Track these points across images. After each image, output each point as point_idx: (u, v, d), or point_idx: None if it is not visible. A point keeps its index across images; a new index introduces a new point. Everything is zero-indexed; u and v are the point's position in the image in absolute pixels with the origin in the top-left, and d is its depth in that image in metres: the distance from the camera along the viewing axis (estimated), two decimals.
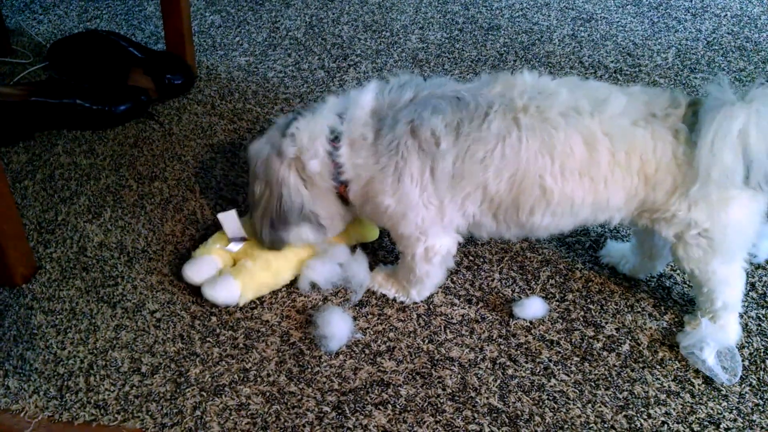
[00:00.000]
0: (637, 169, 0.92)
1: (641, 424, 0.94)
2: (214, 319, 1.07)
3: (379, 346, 1.03)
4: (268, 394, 0.96)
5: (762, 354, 1.03)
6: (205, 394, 0.96)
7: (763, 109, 0.85)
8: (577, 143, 0.91)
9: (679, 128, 0.91)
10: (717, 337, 1.01)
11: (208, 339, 1.04)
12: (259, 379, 0.98)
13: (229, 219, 1.11)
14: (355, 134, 0.98)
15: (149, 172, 1.35)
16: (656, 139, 0.91)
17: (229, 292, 1.06)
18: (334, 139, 0.99)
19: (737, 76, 1.72)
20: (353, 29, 1.87)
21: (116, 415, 0.94)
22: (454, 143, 0.93)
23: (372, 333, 1.05)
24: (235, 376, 0.99)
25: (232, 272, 1.08)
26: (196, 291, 1.10)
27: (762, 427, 0.94)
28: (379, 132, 0.96)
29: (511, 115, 0.93)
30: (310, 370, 1.00)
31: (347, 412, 0.95)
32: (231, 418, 0.93)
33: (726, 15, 2.01)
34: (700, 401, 0.97)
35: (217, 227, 1.15)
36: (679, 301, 1.12)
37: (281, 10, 1.95)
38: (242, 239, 1.11)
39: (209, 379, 0.98)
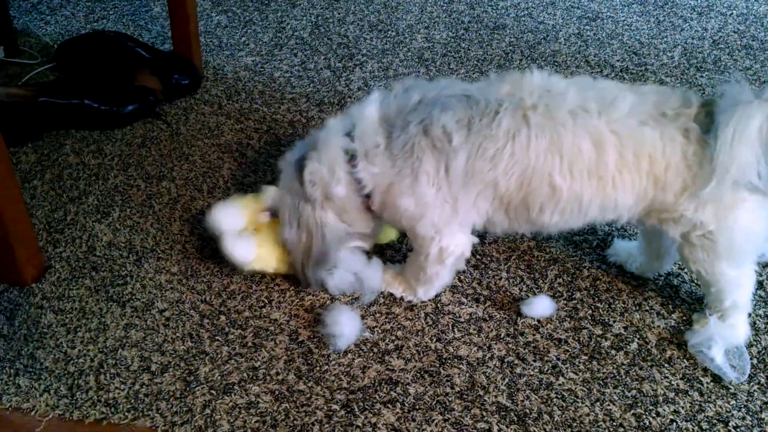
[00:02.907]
0: (646, 171, 0.92)
1: (650, 423, 0.94)
2: (222, 318, 1.07)
3: (387, 344, 1.04)
4: (277, 392, 0.97)
5: None
6: (214, 392, 0.97)
7: (748, 119, 0.85)
8: (585, 142, 0.91)
9: (690, 128, 0.91)
10: (725, 336, 1.01)
11: (217, 338, 1.04)
12: (268, 377, 0.99)
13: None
14: (368, 145, 0.98)
15: (157, 171, 1.36)
16: (666, 139, 0.91)
17: (246, 252, 1.07)
18: (351, 158, 0.99)
19: (744, 75, 1.71)
20: (359, 29, 1.87)
21: (126, 414, 0.94)
22: (466, 139, 0.93)
23: (380, 332, 1.06)
24: (245, 374, 0.99)
25: (254, 235, 1.09)
26: (204, 290, 1.10)
27: None
28: (390, 136, 0.96)
29: (520, 114, 0.93)
30: (318, 368, 1.00)
31: (356, 410, 0.95)
32: (240, 416, 0.94)
33: (732, 14, 2.00)
34: (709, 399, 0.97)
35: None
36: (686, 299, 1.12)
37: (287, 10, 1.96)
38: (273, 214, 1.12)
39: (218, 378, 0.98)
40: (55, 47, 1.69)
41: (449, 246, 1.02)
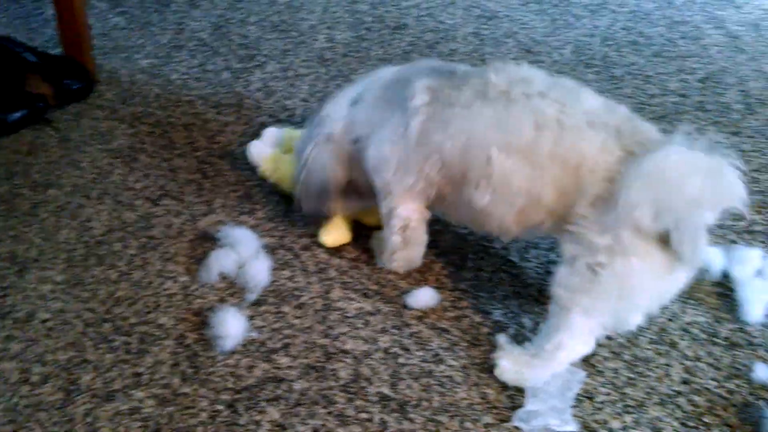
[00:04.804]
0: (574, 165, 0.90)
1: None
2: (107, 325, 1.06)
3: (275, 343, 1.06)
4: (161, 396, 0.97)
5: (636, 332, 1.11)
6: (96, 400, 0.96)
7: (667, 158, 0.83)
8: (526, 122, 0.93)
9: (635, 152, 0.87)
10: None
11: (100, 346, 1.03)
12: (152, 382, 0.99)
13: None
14: (368, 94, 1.10)
15: (44, 179, 1.33)
16: (605, 144, 0.89)
17: (261, 154, 1.29)
18: (353, 103, 1.11)
19: (628, 71, 1.81)
20: (261, 29, 1.87)
21: (5, 427, 0.93)
22: (428, 104, 1.00)
23: (268, 331, 1.07)
24: (128, 380, 0.99)
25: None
26: (89, 298, 1.10)
27: (634, 399, 1.01)
28: (385, 91, 1.08)
29: (482, 90, 0.97)
30: (204, 370, 1.01)
31: (240, 409, 0.96)
32: (123, 422, 0.94)
33: (622, 11, 2.11)
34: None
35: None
36: None
37: (187, 12, 1.94)
38: None
39: (101, 385, 0.98)
40: None
41: (396, 208, 1.07)
